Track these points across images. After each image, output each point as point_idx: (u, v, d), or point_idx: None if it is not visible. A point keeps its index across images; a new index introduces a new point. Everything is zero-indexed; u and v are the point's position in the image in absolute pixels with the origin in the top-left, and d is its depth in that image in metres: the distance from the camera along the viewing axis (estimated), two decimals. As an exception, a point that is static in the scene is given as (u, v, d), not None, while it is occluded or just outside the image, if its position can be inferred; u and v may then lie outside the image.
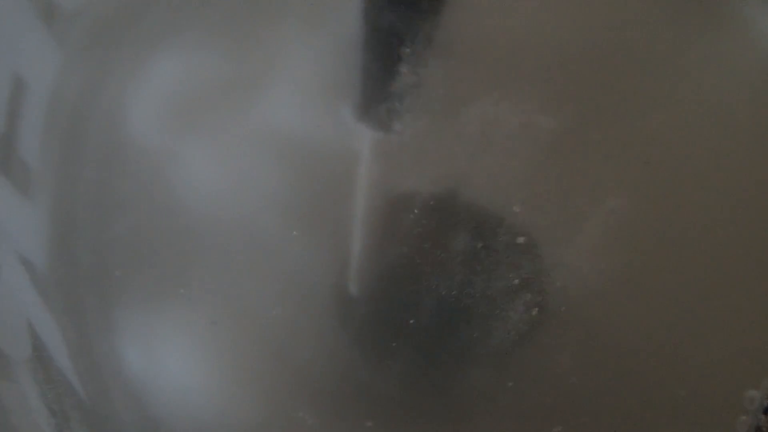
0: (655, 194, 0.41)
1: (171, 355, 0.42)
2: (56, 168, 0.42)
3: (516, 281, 0.41)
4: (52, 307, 0.37)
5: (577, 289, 0.41)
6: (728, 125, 0.43)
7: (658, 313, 0.40)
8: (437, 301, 0.42)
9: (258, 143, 0.45)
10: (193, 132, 0.45)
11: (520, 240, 0.42)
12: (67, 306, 0.40)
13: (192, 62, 0.47)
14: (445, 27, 0.45)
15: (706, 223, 0.41)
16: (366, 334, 0.43)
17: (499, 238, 0.42)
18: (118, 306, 0.42)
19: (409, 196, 0.44)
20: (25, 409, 0.32)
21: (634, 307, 0.41)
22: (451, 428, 0.42)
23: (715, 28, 0.45)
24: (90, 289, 0.42)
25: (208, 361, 0.42)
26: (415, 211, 0.43)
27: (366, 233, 0.44)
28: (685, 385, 0.40)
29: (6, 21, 0.38)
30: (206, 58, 0.47)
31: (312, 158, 0.44)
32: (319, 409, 0.42)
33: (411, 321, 0.42)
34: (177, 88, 0.46)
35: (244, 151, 0.45)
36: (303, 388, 0.42)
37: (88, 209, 0.43)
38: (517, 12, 0.44)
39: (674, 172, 0.41)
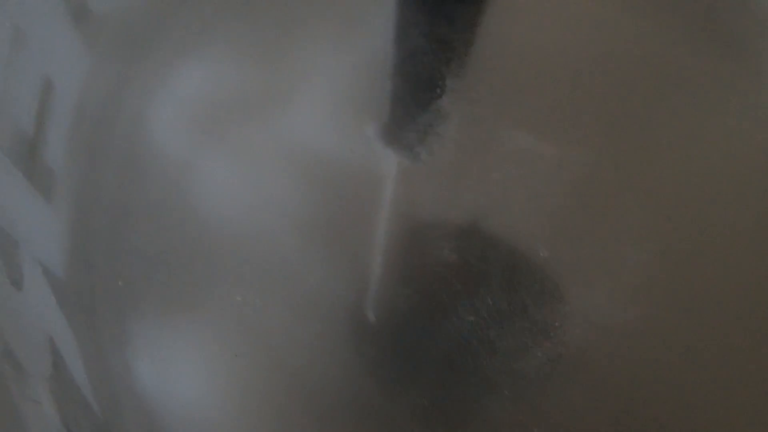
0: (685, 246, 0.41)
1: (183, 371, 0.41)
2: (78, 173, 0.41)
3: (538, 322, 0.41)
4: (71, 319, 0.37)
5: (600, 336, 0.40)
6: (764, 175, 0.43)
7: (681, 367, 0.40)
8: (457, 334, 0.41)
9: (281, 159, 0.45)
10: (216, 144, 0.45)
11: (545, 281, 0.41)
12: (84, 317, 0.39)
13: (219, 73, 0.46)
14: (478, 56, 0.44)
15: (737, 278, 0.41)
16: (382, 362, 0.42)
17: (524, 278, 0.42)
18: (132, 317, 0.41)
19: (432, 225, 0.43)
20: (44, 430, 0.31)
21: (656, 359, 0.40)
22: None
23: (753, 78, 0.45)
24: (105, 299, 0.41)
25: (220, 380, 0.41)
26: (438, 241, 0.43)
27: (387, 259, 0.43)
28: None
29: (40, 21, 0.37)
30: (234, 70, 0.46)
31: (335, 178, 0.44)
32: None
33: (427, 354, 0.41)
34: (203, 98, 0.45)
35: (267, 166, 0.45)
36: (315, 414, 0.41)
37: (107, 217, 0.42)
38: (555, 45, 0.44)
39: (706, 224, 0.41)
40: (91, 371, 0.37)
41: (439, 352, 0.41)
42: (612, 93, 0.44)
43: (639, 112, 0.44)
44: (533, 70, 0.44)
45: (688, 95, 0.44)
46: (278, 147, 0.45)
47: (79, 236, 0.40)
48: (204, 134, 0.45)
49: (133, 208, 0.43)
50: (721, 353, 0.40)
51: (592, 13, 0.45)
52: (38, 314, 0.32)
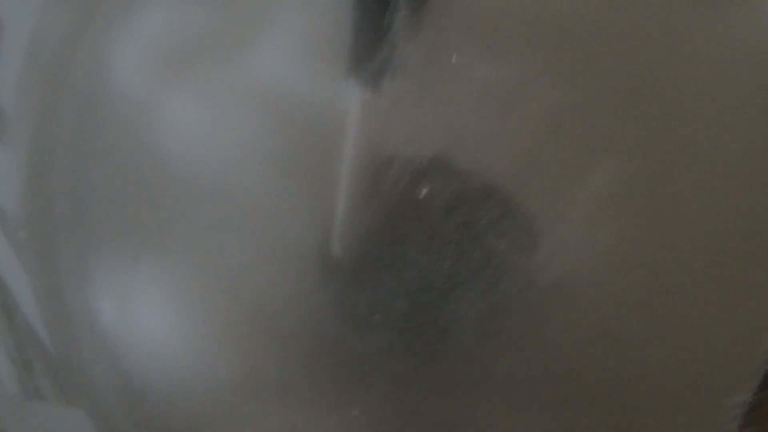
0: (653, 163, 0.40)
1: (146, 308, 0.41)
2: (33, 114, 0.41)
3: (504, 251, 0.40)
4: (22, 255, 0.36)
5: (568, 262, 0.39)
6: (733, 98, 0.41)
7: (653, 292, 0.39)
8: (423, 267, 0.41)
9: (244, 97, 0.44)
10: (177, 82, 0.44)
11: (513, 212, 0.40)
12: (39, 254, 0.39)
13: (182, 11, 0.45)
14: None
15: (708, 198, 0.40)
16: (348, 297, 0.42)
17: (488, 206, 0.41)
18: (93, 256, 0.41)
19: (396, 157, 0.42)
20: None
21: (627, 284, 0.39)
22: (436, 400, 0.41)
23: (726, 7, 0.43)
24: (65, 238, 0.41)
25: (183, 316, 0.41)
26: (402, 173, 0.42)
27: (351, 193, 0.42)
28: (677, 369, 0.39)
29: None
30: (197, 8, 0.45)
31: (299, 115, 0.43)
32: (295, 370, 0.41)
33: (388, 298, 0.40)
34: (163, 36, 0.45)
35: (229, 104, 0.44)
36: (280, 349, 0.41)
37: (66, 156, 0.42)
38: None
39: (674, 140, 0.40)
40: (45, 306, 0.36)
41: (406, 285, 0.41)
42: (585, 26, 0.43)
43: (611, 43, 0.42)
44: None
45: (665, 34, 0.42)
46: (241, 83, 0.44)
47: (36, 175, 0.40)
48: (165, 72, 0.44)
49: (93, 148, 0.43)
50: (702, 273, 0.39)
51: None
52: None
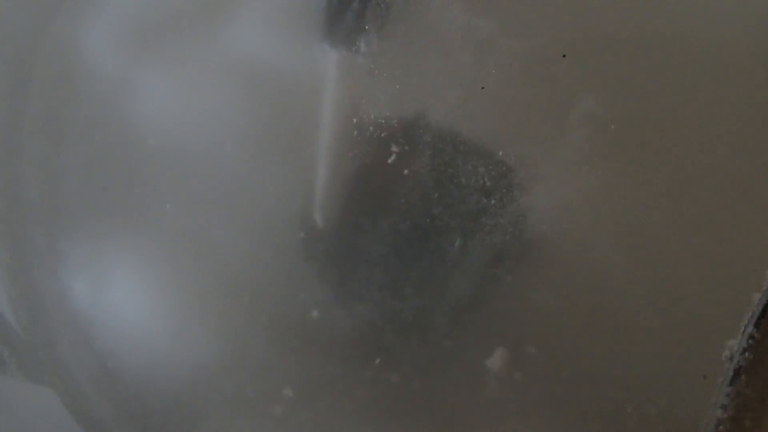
0: (636, 110, 0.37)
1: (121, 288, 0.39)
2: (1, 93, 0.40)
3: (488, 206, 0.38)
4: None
5: (550, 215, 0.37)
6: (728, 45, 0.39)
7: (639, 241, 0.37)
8: (410, 233, 0.39)
9: (219, 69, 0.43)
10: (152, 59, 0.43)
11: (496, 170, 0.38)
12: (6, 234, 0.38)
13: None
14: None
15: (693, 143, 0.37)
16: (333, 266, 0.40)
17: (466, 163, 0.39)
18: (65, 237, 0.40)
19: (375, 120, 0.41)
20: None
21: (612, 235, 0.37)
22: (421, 367, 0.39)
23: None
24: (35, 218, 0.39)
25: (159, 295, 0.39)
26: (384, 138, 0.40)
27: (331, 161, 0.41)
28: (671, 318, 0.37)
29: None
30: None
31: (275, 84, 0.42)
32: (279, 346, 0.39)
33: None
34: (136, 12, 0.44)
35: (206, 78, 0.43)
36: (262, 325, 0.39)
37: (37, 138, 0.41)
38: None
39: (659, 85, 0.38)
40: (11, 288, 0.35)
41: (393, 252, 0.39)
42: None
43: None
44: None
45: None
46: (215, 57, 0.43)
47: (5, 155, 0.39)
48: (138, 48, 0.43)
49: (66, 128, 0.42)
50: (689, 218, 0.36)
51: None
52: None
